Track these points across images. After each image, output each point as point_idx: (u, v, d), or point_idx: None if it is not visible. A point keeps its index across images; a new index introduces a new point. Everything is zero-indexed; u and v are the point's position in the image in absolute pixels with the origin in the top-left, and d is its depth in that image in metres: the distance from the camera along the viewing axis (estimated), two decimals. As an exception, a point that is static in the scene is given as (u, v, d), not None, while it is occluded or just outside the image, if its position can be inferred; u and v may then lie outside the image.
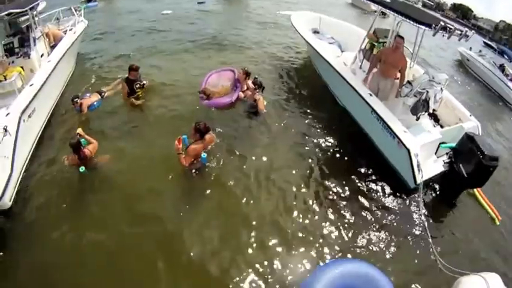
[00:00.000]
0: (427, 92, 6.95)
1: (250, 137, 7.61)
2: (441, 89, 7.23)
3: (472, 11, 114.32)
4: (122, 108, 8.34)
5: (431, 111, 7.53)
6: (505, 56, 20.61)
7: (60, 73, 9.10)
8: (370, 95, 7.51)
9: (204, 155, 6.19)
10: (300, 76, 10.79)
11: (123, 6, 20.13)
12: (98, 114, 8.02)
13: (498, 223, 6.92)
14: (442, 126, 8.38)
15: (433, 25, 6.29)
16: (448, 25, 6.37)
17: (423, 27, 6.54)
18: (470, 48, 23.02)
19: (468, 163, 6.32)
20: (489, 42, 57.84)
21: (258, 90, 8.25)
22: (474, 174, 6.27)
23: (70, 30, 10.52)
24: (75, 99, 7.69)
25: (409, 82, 7.18)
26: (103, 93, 8.43)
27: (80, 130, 6.36)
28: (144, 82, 8.41)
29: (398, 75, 7.81)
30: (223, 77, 8.99)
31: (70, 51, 9.87)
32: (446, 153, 6.99)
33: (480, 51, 22.93)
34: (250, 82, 8.58)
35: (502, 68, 19.93)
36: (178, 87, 9.34)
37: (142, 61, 10.67)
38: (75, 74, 10.40)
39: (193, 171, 6.23)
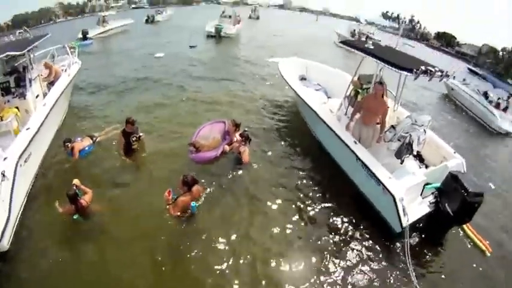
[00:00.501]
0: (410, 135, 7.26)
1: (236, 188, 7.75)
2: (424, 130, 7.58)
3: (455, 38, 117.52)
4: (114, 156, 8.46)
5: (415, 153, 7.77)
6: (489, 82, 20.99)
7: (54, 116, 9.26)
8: (355, 142, 7.77)
9: (193, 203, 6.41)
10: (287, 123, 11.07)
11: (117, 47, 20.88)
12: (90, 160, 8.19)
13: (489, 254, 7.13)
14: (427, 166, 8.68)
15: (414, 70, 6.63)
16: (429, 68, 6.77)
17: (405, 72, 6.88)
18: (454, 78, 23.68)
19: (453, 201, 6.59)
20: (473, 69, 59.63)
21: (244, 143, 8.47)
22: (460, 212, 6.54)
23: (65, 71, 10.74)
24: (67, 143, 7.78)
25: (392, 127, 7.47)
26: (95, 138, 8.54)
27: (76, 181, 6.47)
28: (141, 135, 8.47)
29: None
30: (215, 129, 9.18)
31: (64, 93, 10.07)
32: (432, 193, 7.25)
33: (464, 79, 23.60)
34: (238, 134, 8.77)
35: (485, 95, 20.57)
36: (171, 138, 9.57)
37: (134, 109, 11.10)
38: (68, 117, 10.63)
39: (183, 220, 6.47)
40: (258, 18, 58.54)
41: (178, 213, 6.31)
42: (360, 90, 8.72)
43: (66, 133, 9.17)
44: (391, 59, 7.35)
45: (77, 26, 30.48)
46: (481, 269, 6.79)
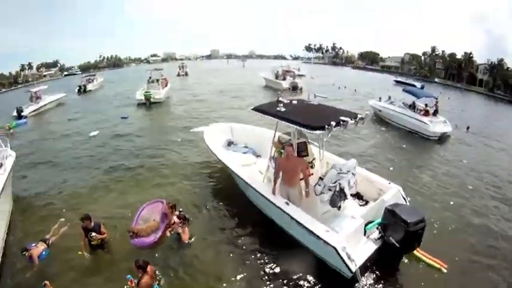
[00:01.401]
0: (340, 183, 7.53)
1: (181, 267, 7.57)
2: (352, 173, 7.89)
3: (379, 54, 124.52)
4: (70, 253, 7.99)
5: (349, 198, 8.02)
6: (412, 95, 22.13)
7: None
8: (287, 203, 7.80)
9: (156, 286, 6.56)
10: (223, 193, 10.89)
11: (52, 126, 20.33)
12: (49, 262, 7.69)
13: (445, 271, 7.37)
14: (367, 202, 9.01)
15: (326, 127, 6.86)
16: (342, 119, 7.14)
17: (317, 132, 7.10)
18: (380, 99, 25.00)
19: (397, 233, 6.85)
20: (399, 79, 62.97)
21: (182, 223, 8.44)
22: (405, 242, 6.81)
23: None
24: (24, 252, 7.45)
25: (320, 178, 7.61)
26: (47, 241, 8.04)
27: (47, 282, 6.33)
28: (103, 237, 8.00)
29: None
30: (155, 210, 9.06)
31: (4, 191, 9.15)
32: (377, 228, 7.47)
33: (389, 97, 24.65)
34: (175, 216, 8.69)
35: (413, 106, 21.79)
36: (116, 228, 9.00)
37: (78, 195, 10.84)
38: (15, 213, 9.98)
39: None
40: (186, 74, 59.62)
41: None
42: (282, 151, 8.87)
43: (18, 233, 8.96)
44: (302, 119, 7.58)
45: (11, 100, 30.04)
46: (440, 286, 7.11)
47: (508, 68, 75.29)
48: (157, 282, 6.74)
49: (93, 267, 7.57)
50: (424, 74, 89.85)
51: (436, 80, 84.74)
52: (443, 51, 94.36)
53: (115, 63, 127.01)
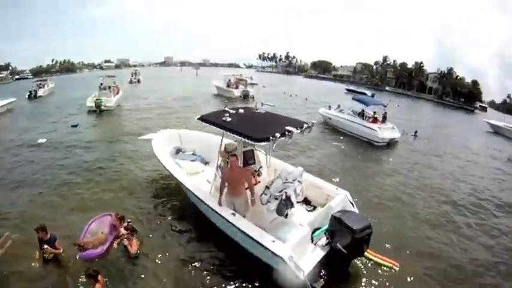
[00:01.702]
0: (286, 192, 7.53)
1: (130, 279, 7.27)
2: (299, 181, 7.92)
3: (331, 64, 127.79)
4: (22, 265, 7.52)
5: (296, 206, 8.04)
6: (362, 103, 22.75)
7: None
8: (233, 214, 7.68)
9: None
10: (173, 202, 10.54)
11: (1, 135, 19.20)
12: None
13: (397, 268, 7.56)
14: (315, 207, 9.05)
15: (271, 138, 6.85)
16: (287, 129, 7.15)
17: (262, 144, 7.09)
18: (330, 107, 25.50)
19: (344, 239, 6.87)
20: (350, 88, 64.63)
21: (130, 234, 8.19)
22: (353, 248, 6.85)
23: None
24: None
25: (267, 187, 7.57)
26: None
27: None
28: (56, 251, 7.62)
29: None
30: (104, 223, 8.71)
31: None
32: (324, 234, 7.46)
33: (339, 106, 25.16)
34: (123, 228, 8.44)
35: (362, 113, 22.37)
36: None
37: (24, 209, 10.13)
38: None
39: None
40: (139, 81, 58.33)
41: None
42: (228, 160, 8.50)
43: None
44: (247, 130, 7.50)
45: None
46: (394, 284, 7.22)
47: (457, 76, 79.87)
48: None
49: (45, 280, 7.17)
50: (376, 82, 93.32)
51: (387, 88, 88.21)
52: (394, 61, 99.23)
53: (68, 68, 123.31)
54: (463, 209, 11.63)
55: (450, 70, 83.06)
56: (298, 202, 8.37)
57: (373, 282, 7.26)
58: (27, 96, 36.82)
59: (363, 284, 7.26)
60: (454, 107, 65.66)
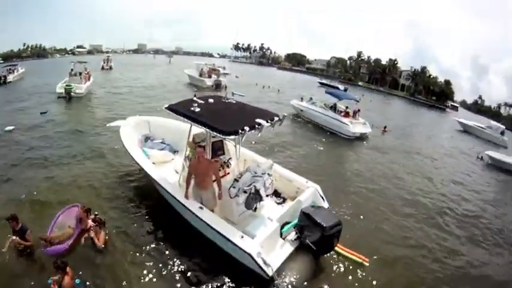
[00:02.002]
0: (255, 186, 7.37)
1: (97, 274, 6.95)
2: (268, 174, 7.75)
3: (305, 56, 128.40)
4: None
5: (265, 199, 7.88)
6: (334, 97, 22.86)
7: None
8: (201, 208, 7.39)
9: (78, 281, 6.37)
10: (140, 193, 10.16)
11: None
12: None
13: (367, 264, 7.52)
14: (284, 199, 8.92)
15: (240, 131, 6.59)
16: (257, 122, 6.93)
17: (230, 137, 6.80)
18: (302, 99, 25.47)
19: (313, 235, 6.77)
20: (323, 81, 65.11)
21: (98, 227, 7.73)
22: (322, 245, 6.77)
23: None
24: None
25: (235, 180, 7.38)
26: None
27: None
28: (26, 244, 7.30)
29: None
30: (71, 215, 8.18)
31: None
32: (294, 228, 7.35)
33: (311, 98, 25.19)
34: (90, 220, 7.97)
35: (334, 107, 22.56)
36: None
37: None
38: None
39: None
40: (111, 68, 55.78)
41: None
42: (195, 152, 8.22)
43: None
44: (215, 122, 7.13)
45: None
46: (363, 279, 7.17)
47: (430, 75, 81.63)
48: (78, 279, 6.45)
49: (12, 271, 6.92)
50: (349, 77, 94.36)
51: (360, 83, 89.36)
52: (368, 57, 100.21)
53: (39, 53, 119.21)
54: (430, 202, 12.05)
55: (424, 68, 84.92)
56: (267, 195, 8.18)
57: (343, 277, 7.21)
58: None
59: (333, 279, 7.16)
60: (426, 105, 67.02)
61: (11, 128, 16.75)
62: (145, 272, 7.00)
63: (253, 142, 15.05)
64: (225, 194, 7.40)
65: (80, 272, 6.75)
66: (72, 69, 28.95)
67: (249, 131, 6.67)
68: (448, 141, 27.18)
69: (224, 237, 6.70)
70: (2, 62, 77.17)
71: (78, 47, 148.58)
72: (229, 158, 8.96)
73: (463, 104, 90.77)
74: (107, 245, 7.65)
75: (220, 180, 7.46)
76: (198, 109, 7.67)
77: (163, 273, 7.04)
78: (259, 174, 7.49)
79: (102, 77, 40.17)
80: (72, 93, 25.28)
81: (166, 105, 8.27)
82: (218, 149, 8.72)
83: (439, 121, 44.03)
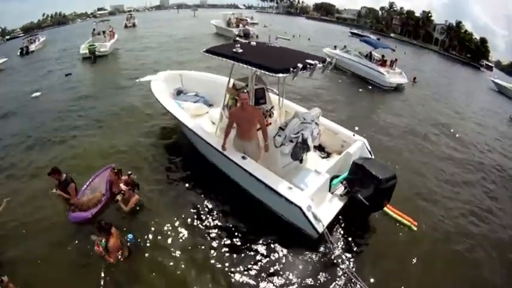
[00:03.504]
0: (303, 134, 6.80)
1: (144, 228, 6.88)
2: (316, 123, 7.18)
3: (335, 6, 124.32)
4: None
5: (312, 150, 7.32)
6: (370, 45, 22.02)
7: None
8: (244, 158, 6.92)
9: (130, 235, 6.22)
10: (174, 149, 9.90)
11: None
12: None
13: (415, 228, 7.05)
14: (329, 154, 8.45)
15: (291, 69, 5.90)
16: (308, 62, 6.20)
17: (280, 75, 6.02)
18: (335, 47, 24.63)
19: (366, 190, 6.31)
20: (355, 31, 63.13)
21: (131, 190, 7.31)
22: (375, 200, 6.29)
23: None
24: None
25: (281, 128, 6.92)
26: None
27: (4, 278, 5.34)
28: (66, 196, 7.29)
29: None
30: (105, 179, 7.79)
31: None
32: (341, 183, 6.92)
33: (345, 46, 24.45)
34: (122, 183, 7.56)
35: (369, 56, 21.94)
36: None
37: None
38: None
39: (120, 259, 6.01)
40: (134, 25, 55.15)
41: (118, 256, 6.01)
42: (237, 98, 7.86)
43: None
44: (263, 61, 6.44)
45: None
46: (410, 244, 6.75)
47: (466, 30, 78.07)
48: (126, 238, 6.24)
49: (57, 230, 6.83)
50: (381, 28, 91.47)
51: (392, 35, 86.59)
52: (401, 8, 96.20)
53: (60, 20, 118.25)
54: (488, 165, 11.49)
55: (459, 23, 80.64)
56: (314, 147, 7.65)
57: (391, 239, 6.83)
58: (19, 54, 35.02)
59: (380, 240, 6.80)
60: (459, 61, 64.77)
61: (37, 94, 16.82)
62: (179, 235, 6.78)
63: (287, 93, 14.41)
64: (270, 144, 6.93)
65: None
66: (94, 29, 28.61)
67: (301, 70, 5.94)
68: (481, 99, 26.30)
69: (270, 188, 6.28)
70: (22, 34, 76.97)
71: (99, 9, 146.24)
72: (272, 107, 8.39)
73: (498, 64, 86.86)
74: (139, 206, 7.35)
75: (266, 129, 6.92)
76: (240, 50, 7.00)
77: (198, 234, 6.81)
78: (308, 121, 6.91)
79: (126, 35, 39.78)
80: (96, 53, 25.07)
81: (205, 49, 7.59)
82: (260, 97, 8.13)
83: (473, 79, 42.30)
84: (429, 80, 26.54)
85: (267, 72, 6.09)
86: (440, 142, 12.79)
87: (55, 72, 21.93)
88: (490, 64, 72.40)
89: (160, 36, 37.94)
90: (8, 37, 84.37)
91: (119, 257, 6.01)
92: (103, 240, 5.96)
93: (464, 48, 76.43)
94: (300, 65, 5.86)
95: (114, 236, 6.06)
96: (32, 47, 37.22)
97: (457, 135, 14.01)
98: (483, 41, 77.21)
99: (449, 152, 11.89)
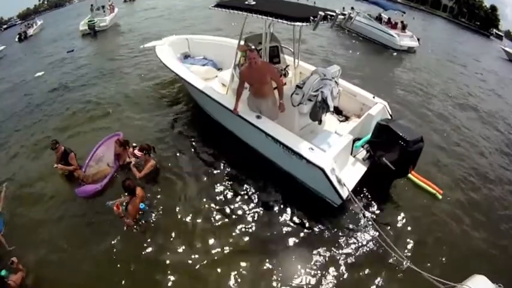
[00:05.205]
0: (322, 92, 6.28)
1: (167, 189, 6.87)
2: (336, 82, 6.66)
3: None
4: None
5: (332, 110, 6.75)
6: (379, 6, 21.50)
7: None
8: (258, 117, 6.57)
9: (142, 205, 6.05)
10: (181, 115, 9.75)
11: None
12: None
13: (440, 197, 6.77)
14: (347, 118, 8.02)
15: (311, 18, 5.40)
16: (328, 13, 5.62)
17: (300, 23, 5.51)
18: (343, 9, 23.96)
19: (391, 153, 5.91)
20: (363, -6, 61.70)
21: (147, 155, 7.04)
22: (401, 164, 5.90)
23: None
24: None
25: (298, 86, 6.38)
26: None
27: (14, 258, 5.31)
28: (68, 168, 7.25)
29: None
30: (112, 148, 7.61)
31: None
32: (362, 146, 6.53)
33: (352, 8, 23.78)
34: (135, 151, 7.16)
35: (379, 18, 21.65)
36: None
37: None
38: None
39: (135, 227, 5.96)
40: None
41: (135, 220, 6.00)
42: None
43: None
44: (279, 11, 5.94)
45: None
46: (435, 212, 6.51)
47: (476, -3, 76.81)
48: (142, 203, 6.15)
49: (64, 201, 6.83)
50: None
51: (400, 0, 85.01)
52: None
53: (56, 3, 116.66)
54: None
55: (468, -12, 79.48)
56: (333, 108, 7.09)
57: (414, 208, 6.52)
58: (17, 39, 35.10)
59: (402, 209, 6.45)
60: (469, 29, 63.83)
61: (40, 73, 16.78)
62: (196, 198, 6.67)
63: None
64: (287, 103, 6.47)
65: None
66: (92, 5, 28.42)
67: (322, 20, 5.42)
68: (492, 67, 24.99)
69: (289, 149, 5.90)
70: (20, 22, 76.16)
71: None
72: (287, 66, 7.95)
73: (508, 34, 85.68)
74: (154, 171, 7.16)
75: (281, 86, 6.49)
76: (253, 2, 6.52)
77: (215, 197, 6.64)
78: (328, 77, 6.38)
79: (126, 9, 39.18)
80: (96, 28, 25.03)
81: (213, 4, 7.02)
82: (273, 56, 7.75)
83: (482, 46, 41.53)
84: (442, 44, 26.69)
85: (284, 21, 5.59)
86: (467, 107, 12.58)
87: (56, 51, 21.77)
88: (500, 33, 71.31)
89: (163, 8, 37.14)
90: (4, 26, 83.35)
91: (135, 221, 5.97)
92: (124, 202, 5.99)
93: (474, 15, 75.17)
94: (321, 13, 5.35)
95: (138, 197, 5.99)
96: (30, 31, 37.28)
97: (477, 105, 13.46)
98: (493, 8, 75.45)
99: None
